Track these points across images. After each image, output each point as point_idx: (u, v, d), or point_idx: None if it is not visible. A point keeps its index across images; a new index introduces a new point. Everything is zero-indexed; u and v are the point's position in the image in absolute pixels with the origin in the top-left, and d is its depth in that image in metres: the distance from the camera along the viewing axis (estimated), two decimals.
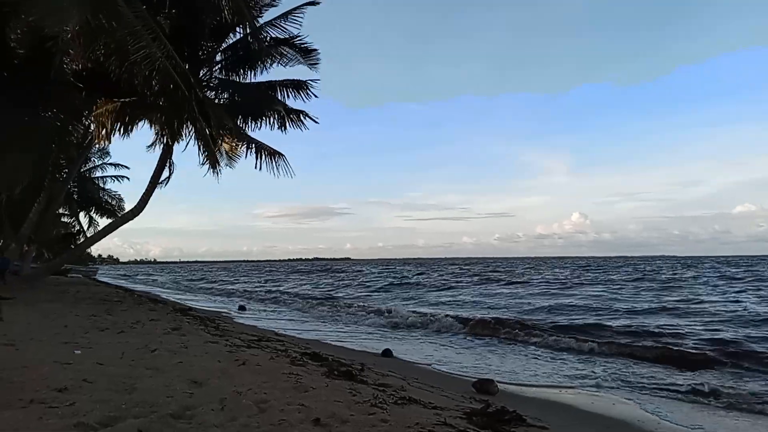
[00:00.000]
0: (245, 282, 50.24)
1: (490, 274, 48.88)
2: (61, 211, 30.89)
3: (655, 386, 8.10)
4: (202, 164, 17.47)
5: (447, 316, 16.34)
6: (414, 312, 18.36)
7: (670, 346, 10.97)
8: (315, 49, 17.88)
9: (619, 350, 11.06)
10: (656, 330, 13.21)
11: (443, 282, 37.11)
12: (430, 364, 9.86)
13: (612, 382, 8.44)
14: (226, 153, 18.93)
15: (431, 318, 16.29)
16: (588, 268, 65.73)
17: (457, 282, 36.56)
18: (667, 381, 8.45)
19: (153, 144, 19.33)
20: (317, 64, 18.12)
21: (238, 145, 18.89)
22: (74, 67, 14.98)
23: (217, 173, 17.94)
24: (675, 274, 43.62)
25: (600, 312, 17.90)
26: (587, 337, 12.28)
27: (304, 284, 42.32)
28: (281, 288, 38.23)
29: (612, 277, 40.82)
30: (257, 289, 38.24)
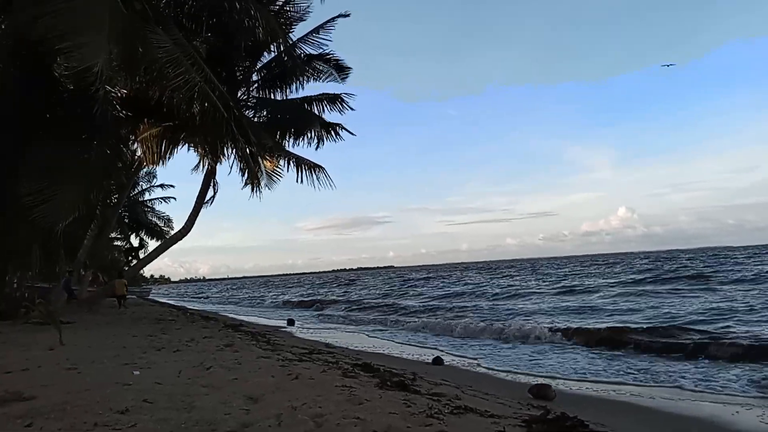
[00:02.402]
0: (291, 295, 50.85)
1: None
2: (113, 235, 32.08)
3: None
4: (244, 186, 17.79)
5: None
6: None
7: None
8: (348, 67, 18.18)
9: None
10: None
11: None
12: (482, 368, 9.71)
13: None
14: (266, 173, 19.22)
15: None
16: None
17: None
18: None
19: (197, 166, 19.86)
20: (347, 77, 18.38)
21: (278, 164, 19.19)
22: (118, 95, 15.56)
23: (259, 193, 18.23)
24: None
25: None
26: None
27: (349, 294, 42.45)
28: (327, 299, 38.51)
29: None
30: (304, 301, 38.65)
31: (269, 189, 19.30)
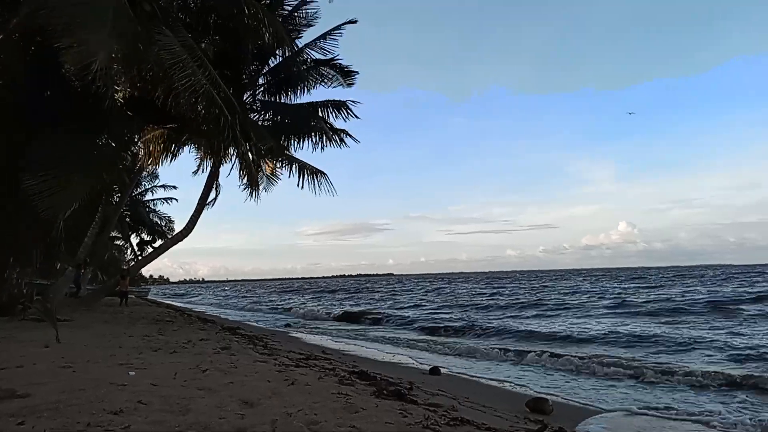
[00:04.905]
0: (290, 300, 50.84)
1: None
2: (114, 234, 32.07)
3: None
4: (244, 188, 17.81)
5: None
6: None
7: None
8: (354, 71, 18.22)
9: None
10: None
11: None
12: (479, 379, 9.66)
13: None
14: (266, 176, 19.27)
15: None
16: None
17: None
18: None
19: (198, 169, 19.93)
20: (353, 82, 18.44)
21: (278, 168, 19.23)
22: (124, 95, 15.60)
23: (257, 195, 18.26)
24: None
25: None
26: None
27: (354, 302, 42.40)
28: (326, 305, 38.51)
29: None
30: (302, 306, 38.60)
31: (266, 192, 19.41)
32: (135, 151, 18.53)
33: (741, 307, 23.01)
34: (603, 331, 16.23)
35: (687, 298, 29.05)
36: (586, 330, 17.01)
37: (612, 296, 33.46)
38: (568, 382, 9.78)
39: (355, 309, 32.11)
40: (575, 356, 11.92)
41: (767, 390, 8.34)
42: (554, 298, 33.77)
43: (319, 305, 38.99)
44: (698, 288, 39.34)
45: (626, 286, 47.72)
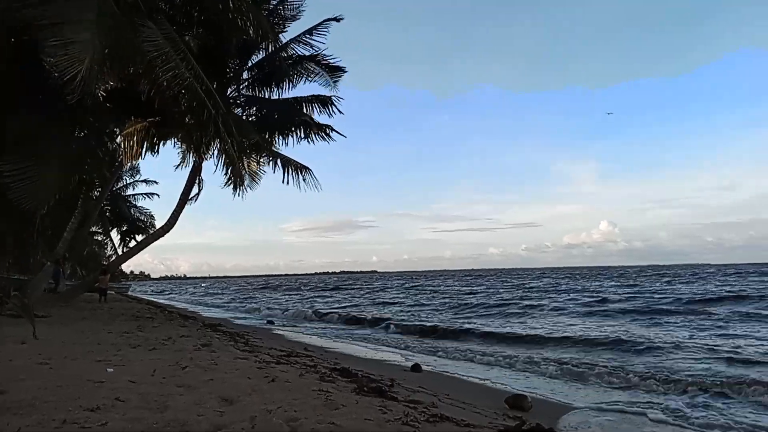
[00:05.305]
0: (273, 297, 50.67)
1: None
2: (94, 229, 31.59)
3: None
4: (226, 184, 17.57)
5: None
6: None
7: None
8: (341, 69, 18.12)
9: None
10: None
11: None
12: (460, 376, 9.72)
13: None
14: (249, 173, 19.09)
15: None
16: None
17: None
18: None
19: (181, 164, 19.68)
20: (339, 80, 18.35)
21: (262, 164, 19.10)
22: (105, 87, 15.37)
23: (242, 192, 18.06)
24: None
25: None
26: None
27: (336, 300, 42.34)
28: (308, 303, 38.47)
29: None
30: (284, 304, 38.49)
31: (251, 189, 19.24)
32: (116, 144, 18.28)
33: (719, 306, 23.48)
34: (582, 331, 16.42)
35: (666, 297, 29.54)
36: (566, 330, 17.19)
37: (592, 295, 33.90)
38: (548, 381, 9.87)
39: (338, 307, 32.17)
40: (555, 356, 12.06)
41: (743, 391, 8.49)
42: (536, 297, 34.14)
43: (301, 302, 39.02)
44: (677, 287, 40.13)
45: (606, 284, 48.39)
